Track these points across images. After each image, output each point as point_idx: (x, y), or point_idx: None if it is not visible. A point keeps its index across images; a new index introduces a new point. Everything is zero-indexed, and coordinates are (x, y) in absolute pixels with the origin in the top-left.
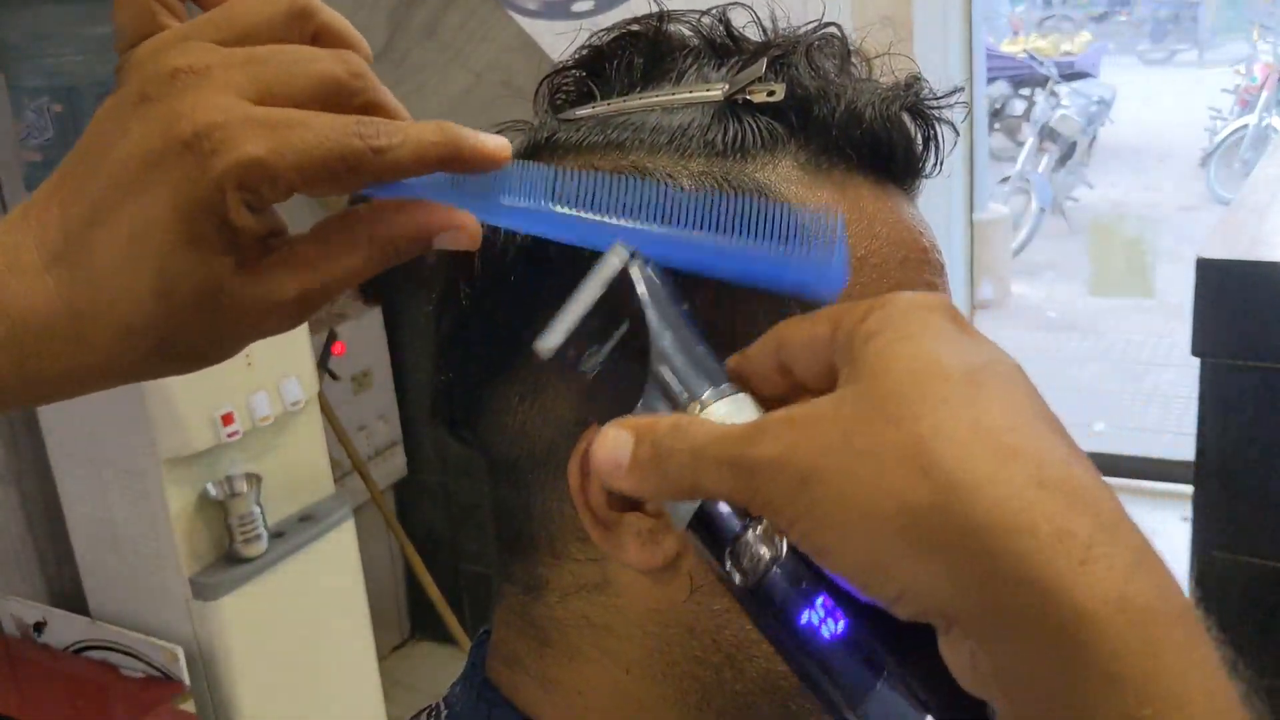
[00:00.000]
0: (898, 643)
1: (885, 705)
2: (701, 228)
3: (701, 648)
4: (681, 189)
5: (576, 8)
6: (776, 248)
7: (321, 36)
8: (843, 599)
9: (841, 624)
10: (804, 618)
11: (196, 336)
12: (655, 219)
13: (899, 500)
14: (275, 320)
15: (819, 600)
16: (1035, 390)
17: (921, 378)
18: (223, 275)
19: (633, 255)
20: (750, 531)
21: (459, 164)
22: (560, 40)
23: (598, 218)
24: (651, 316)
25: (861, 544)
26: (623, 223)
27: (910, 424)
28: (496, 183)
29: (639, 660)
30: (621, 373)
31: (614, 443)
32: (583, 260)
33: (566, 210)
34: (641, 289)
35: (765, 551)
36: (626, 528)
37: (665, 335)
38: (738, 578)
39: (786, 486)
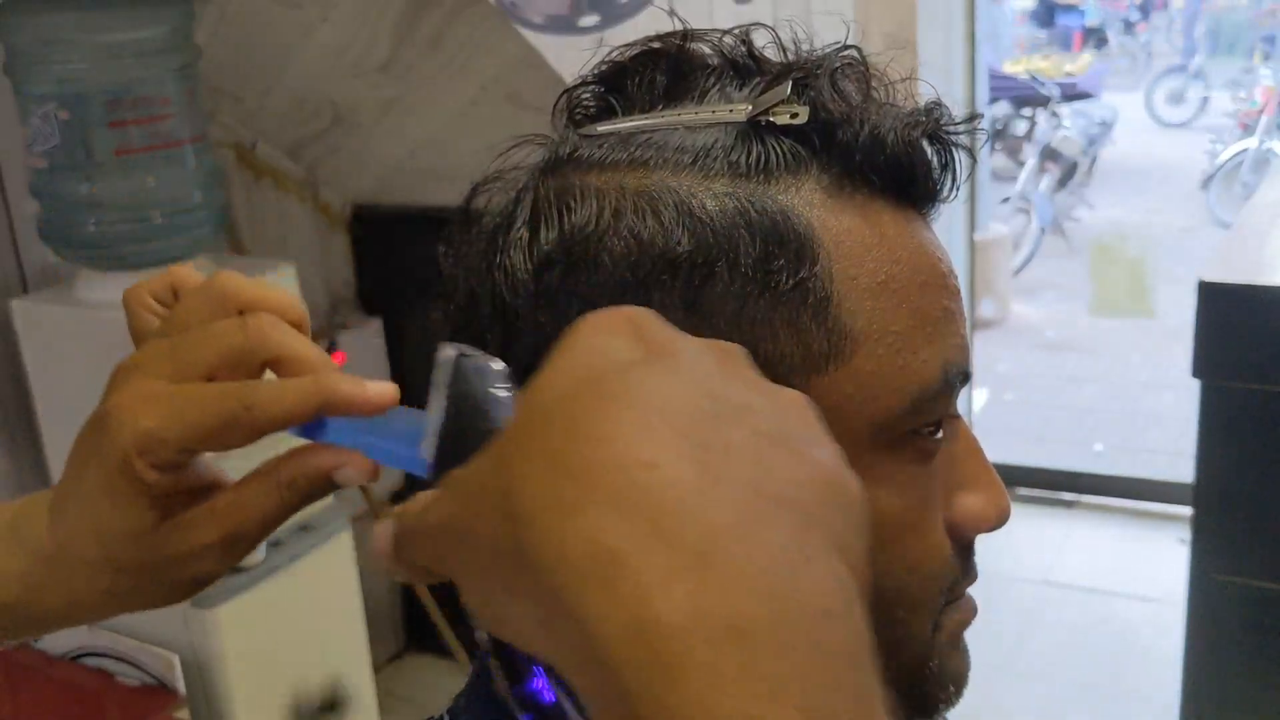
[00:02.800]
0: None
1: None
2: None
3: None
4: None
5: (583, 23)
6: None
7: (247, 310)
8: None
9: (549, 693)
10: (534, 683)
11: (139, 577)
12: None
13: (491, 548)
14: (208, 561)
15: (535, 666)
16: (686, 384)
17: (534, 408)
18: (145, 523)
19: (458, 350)
20: None
21: (338, 410)
22: (565, 55)
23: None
24: (458, 400)
25: (480, 597)
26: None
27: (509, 464)
28: (391, 425)
29: None
30: None
31: (379, 532)
32: (585, 288)
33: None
34: (458, 377)
35: None
36: None
37: (464, 417)
38: (487, 643)
39: (443, 549)
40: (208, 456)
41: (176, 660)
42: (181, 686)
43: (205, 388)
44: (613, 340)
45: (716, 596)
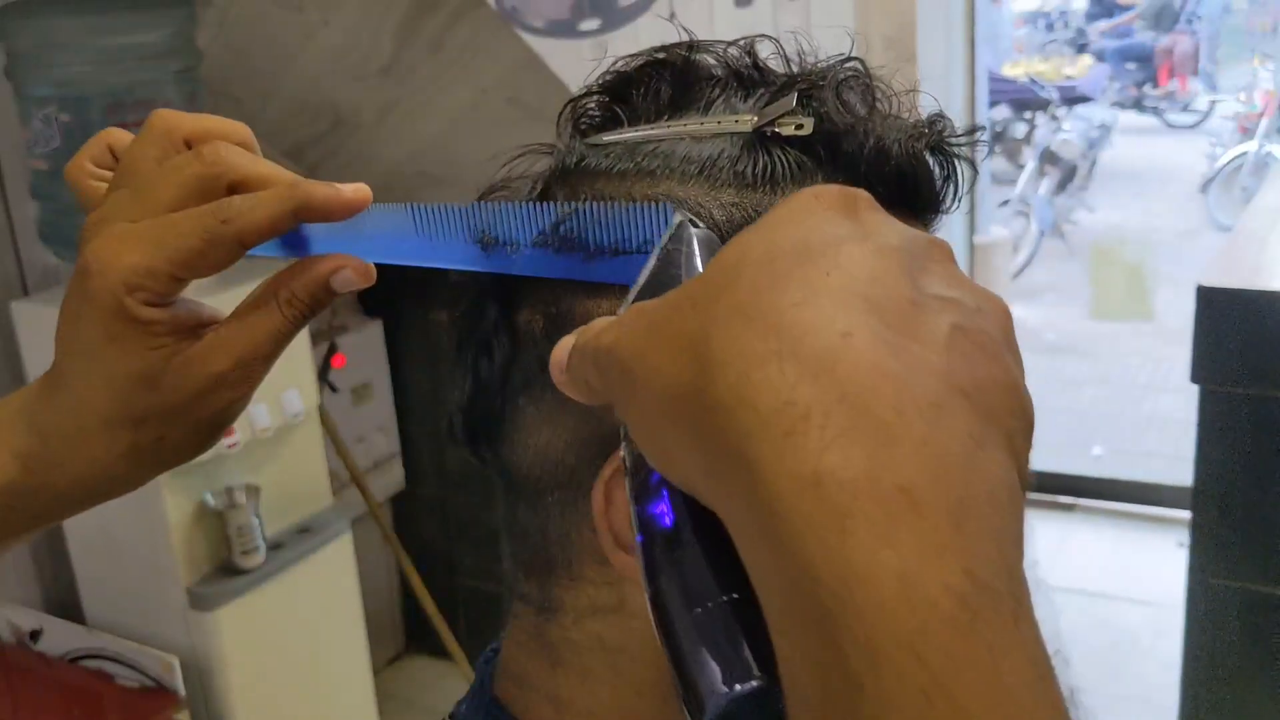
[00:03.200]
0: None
1: (676, 587)
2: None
3: None
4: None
5: (583, 27)
6: (611, 248)
7: (195, 141)
8: (676, 491)
9: (672, 516)
10: (656, 507)
11: (160, 426)
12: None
13: (671, 383)
14: (227, 390)
15: (665, 491)
16: (895, 267)
17: (740, 262)
18: (154, 365)
19: (687, 217)
20: None
21: (315, 213)
22: (566, 59)
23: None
24: (669, 254)
25: (647, 429)
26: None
27: (704, 309)
28: (372, 223)
29: (652, 682)
30: None
31: (561, 344)
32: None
33: (426, 238)
34: (674, 237)
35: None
36: None
37: (669, 268)
38: (625, 462)
39: (614, 374)
40: (202, 294)
41: (176, 662)
42: (181, 688)
43: (179, 214)
44: (827, 213)
45: (894, 462)
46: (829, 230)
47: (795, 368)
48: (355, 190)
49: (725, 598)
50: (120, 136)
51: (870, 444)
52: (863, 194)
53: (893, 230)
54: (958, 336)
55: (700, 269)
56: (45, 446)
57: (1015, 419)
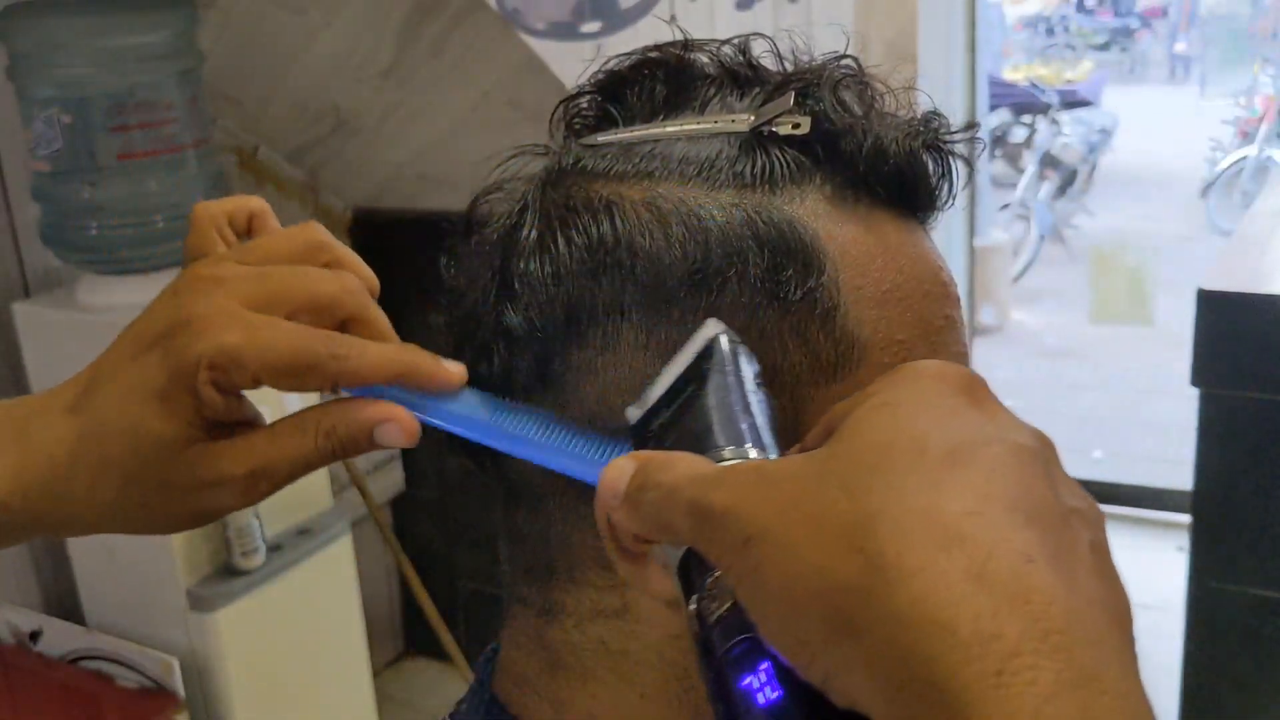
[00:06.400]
0: None
1: None
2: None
3: None
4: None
5: (585, 29)
6: None
7: (333, 266)
8: (785, 671)
9: (776, 694)
10: (745, 680)
11: (149, 493)
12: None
13: (826, 577)
14: (227, 493)
15: (762, 666)
16: (1041, 476)
17: (889, 449)
18: (183, 438)
19: (724, 331)
20: (716, 578)
21: (416, 383)
22: (567, 61)
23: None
24: (715, 379)
25: (788, 617)
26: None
27: (860, 497)
28: (449, 397)
29: (654, 685)
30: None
31: (617, 471)
32: (593, 304)
33: (505, 437)
34: (718, 357)
35: (717, 604)
36: (652, 558)
37: (720, 396)
38: (696, 624)
39: (731, 541)
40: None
41: (176, 663)
42: (181, 690)
43: (297, 325)
44: (957, 400)
45: (1105, 715)
46: (968, 426)
47: (990, 593)
48: (457, 371)
49: None
50: (265, 212)
51: (1084, 695)
52: (978, 378)
53: (1017, 427)
54: (1096, 557)
55: (754, 392)
56: (24, 467)
57: (1132, 637)
